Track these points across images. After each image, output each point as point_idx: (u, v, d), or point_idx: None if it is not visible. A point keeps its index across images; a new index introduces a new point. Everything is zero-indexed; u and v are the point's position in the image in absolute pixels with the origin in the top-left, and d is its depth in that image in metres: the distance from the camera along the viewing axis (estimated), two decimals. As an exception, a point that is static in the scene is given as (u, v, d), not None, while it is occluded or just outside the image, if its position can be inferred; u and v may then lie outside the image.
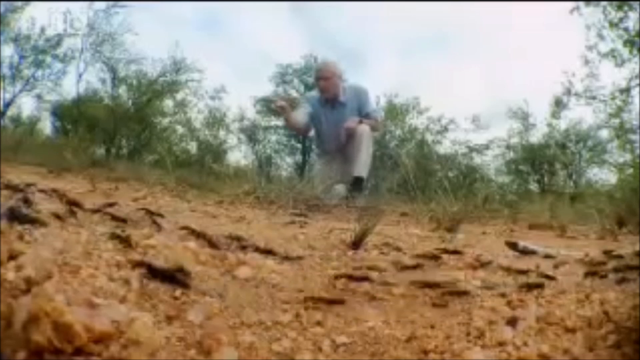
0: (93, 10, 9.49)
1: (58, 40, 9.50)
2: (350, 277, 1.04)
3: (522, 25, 18.80)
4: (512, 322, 0.78)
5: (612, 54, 7.81)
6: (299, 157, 12.25)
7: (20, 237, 0.93)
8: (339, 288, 1.01)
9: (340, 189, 3.61)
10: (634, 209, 2.57)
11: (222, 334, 0.70)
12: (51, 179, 2.92)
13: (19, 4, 8.99)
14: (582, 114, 11.55)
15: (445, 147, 11.46)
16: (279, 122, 10.87)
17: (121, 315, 0.65)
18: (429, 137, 11.52)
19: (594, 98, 8.40)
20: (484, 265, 1.26)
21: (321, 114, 3.98)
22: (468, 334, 0.76)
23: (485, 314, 0.84)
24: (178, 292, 0.85)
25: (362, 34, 18.44)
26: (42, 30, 9.35)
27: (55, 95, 10.18)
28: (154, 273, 0.88)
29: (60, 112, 10.56)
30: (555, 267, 1.26)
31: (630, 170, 8.08)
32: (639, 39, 7.56)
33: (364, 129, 3.81)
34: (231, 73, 19.49)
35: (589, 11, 7.74)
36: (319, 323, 0.81)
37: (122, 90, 10.88)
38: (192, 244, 1.15)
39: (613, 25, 7.66)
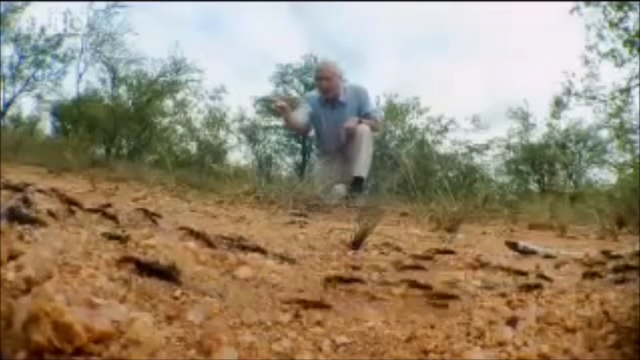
0: (93, 10, 9.53)
1: (58, 40, 9.52)
2: (341, 280, 1.02)
3: (522, 25, 18.85)
4: (512, 322, 0.78)
5: (612, 54, 7.82)
6: (299, 157, 12.26)
7: (20, 237, 0.93)
8: (330, 290, 0.99)
9: (340, 189, 3.61)
10: (634, 209, 2.57)
11: (222, 334, 0.69)
12: (51, 179, 2.93)
13: (19, 4, 9.02)
14: (582, 114, 11.58)
15: (445, 147, 11.49)
16: (279, 122, 10.88)
17: (121, 315, 0.65)
18: (429, 137, 11.54)
19: (594, 98, 8.41)
20: (484, 265, 1.26)
21: (321, 114, 3.98)
22: (468, 334, 0.76)
23: (485, 314, 0.84)
24: (178, 292, 0.85)
25: (362, 34, 18.47)
26: (42, 30, 9.39)
27: (55, 95, 10.22)
28: (143, 269, 0.89)
29: (60, 112, 10.57)
30: (556, 267, 1.26)
31: (630, 170, 8.09)
32: (639, 39, 7.56)
33: (364, 129, 3.81)
34: (231, 73, 19.52)
35: (589, 11, 7.76)
36: (319, 323, 0.81)
37: (122, 90, 10.91)
38: (192, 244, 1.15)
39: (613, 25, 7.66)
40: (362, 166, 3.76)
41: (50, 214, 1.25)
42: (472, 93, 18.25)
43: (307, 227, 1.89)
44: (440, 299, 0.94)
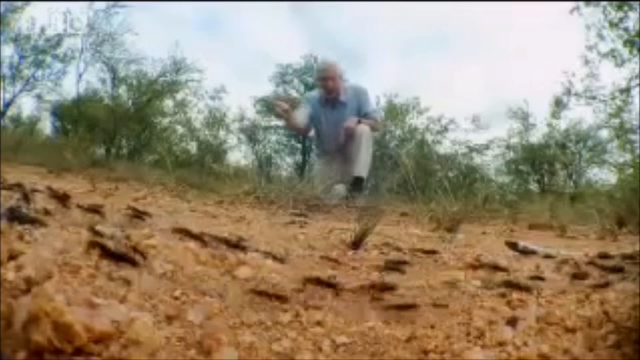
0: (93, 10, 9.52)
1: (58, 40, 9.51)
2: (318, 281, 0.99)
3: (522, 25, 18.81)
4: (512, 322, 0.78)
5: (612, 54, 7.82)
6: (299, 157, 12.25)
7: (20, 237, 0.93)
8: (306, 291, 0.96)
9: (340, 189, 3.61)
10: (634, 209, 2.57)
11: (222, 334, 0.69)
12: (51, 179, 2.92)
13: (19, 4, 9.01)
14: (582, 114, 11.56)
15: (445, 147, 11.48)
16: (279, 122, 10.87)
17: (121, 315, 0.65)
18: (429, 137, 11.53)
19: (594, 98, 8.40)
20: (483, 265, 1.26)
21: (321, 114, 3.99)
22: (468, 334, 0.76)
23: (485, 314, 0.84)
24: (178, 292, 0.85)
25: (362, 34, 18.45)
26: (42, 30, 9.38)
27: (55, 95, 10.21)
28: (108, 253, 0.91)
29: (60, 112, 10.56)
30: (556, 267, 1.26)
31: (630, 170, 8.08)
32: (639, 39, 7.56)
33: (364, 129, 3.81)
34: (231, 73, 19.51)
35: (589, 11, 7.75)
36: (319, 323, 0.81)
37: (122, 90, 10.90)
38: (192, 244, 1.15)
39: (613, 25, 7.66)
40: (362, 166, 3.76)
41: (50, 213, 1.25)
42: (472, 93, 18.25)
43: (307, 227, 1.89)
44: (441, 300, 0.94)
